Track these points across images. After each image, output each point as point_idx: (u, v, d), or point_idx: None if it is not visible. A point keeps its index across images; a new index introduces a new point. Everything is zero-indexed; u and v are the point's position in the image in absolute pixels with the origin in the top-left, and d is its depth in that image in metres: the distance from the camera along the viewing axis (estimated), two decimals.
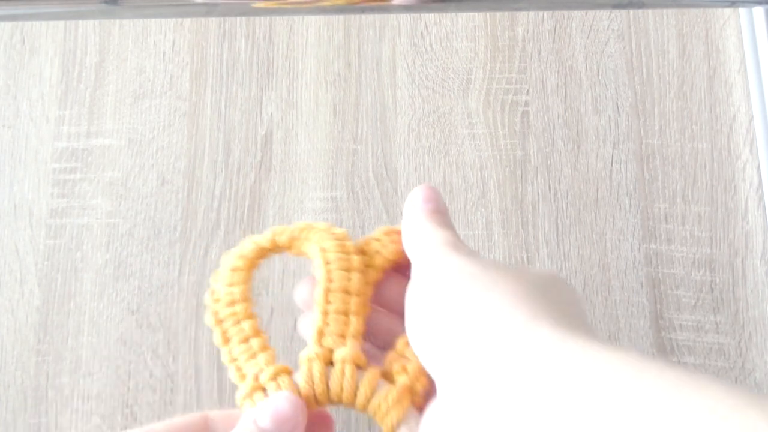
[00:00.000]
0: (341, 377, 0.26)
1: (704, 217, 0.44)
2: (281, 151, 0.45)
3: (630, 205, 0.44)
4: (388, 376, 0.26)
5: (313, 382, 0.25)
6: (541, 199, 0.44)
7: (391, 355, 0.27)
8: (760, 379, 0.41)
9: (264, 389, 0.26)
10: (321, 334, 0.26)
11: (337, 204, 0.44)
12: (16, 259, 0.43)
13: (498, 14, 0.47)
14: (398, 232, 0.29)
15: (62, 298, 0.43)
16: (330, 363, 0.26)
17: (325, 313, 0.27)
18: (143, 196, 0.44)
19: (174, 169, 0.45)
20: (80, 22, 0.47)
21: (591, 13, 0.47)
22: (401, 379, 0.26)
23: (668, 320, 0.42)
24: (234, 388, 0.39)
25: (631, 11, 0.47)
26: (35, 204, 0.44)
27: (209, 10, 0.44)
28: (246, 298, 0.28)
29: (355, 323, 0.27)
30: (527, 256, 0.43)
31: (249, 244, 0.29)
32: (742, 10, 0.46)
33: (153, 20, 0.47)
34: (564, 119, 0.45)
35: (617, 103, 0.45)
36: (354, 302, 0.27)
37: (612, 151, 0.45)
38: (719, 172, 0.44)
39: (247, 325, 0.27)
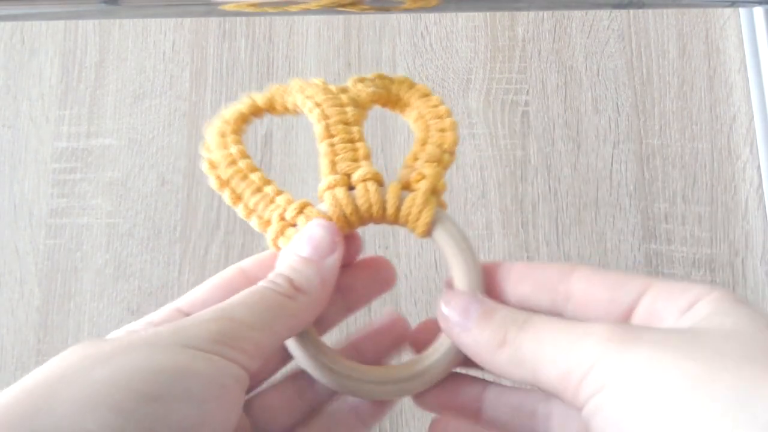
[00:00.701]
0: (366, 193, 0.26)
1: (704, 217, 0.44)
2: (281, 151, 0.45)
3: (630, 205, 0.44)
4: (407, 187, 0.27)
5: (340, 205, 0.26)
6: (541, 199, 0.44)
7: (403, 171, 0.27)
8: None
9: (294, 225, 0.26)
10: (333, 163, 0.26)
11: None
12: (16, 259, 0.43)
13: (498, 14, 0.47)
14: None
15: (62, 298, 0.43)
16: (350, 187, 0.26)
17: (332, 144, 0.27)
18: (143, 196, 0.44)
19: (174, 169, 0.45)
20: (80, 22, 0.47)
21: (591, 13, 0.47)
22: (422, 184, 0.26)
23: None
24: None
25: (631, 11, 0.47)
26: (35, 204, 0.44)
27: (209, 10, 0.44)
28: (246, 155, 0.27)
29: (363, 147, 0.27)
30: (527, 256, 0.43)
31: (229, 110, 0.29)
32: (742, 10, 0.46)
33: (153, 20, 0.47)
34: (564, 119, 0.45)
35: (617, 103, 0.45)
36: (356, 131, 0.27)
37: (612, 151, 0.45)
38: (719, 172, 0.44)
39: (255, 177, 0.27)
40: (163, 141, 0.45)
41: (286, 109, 0.29)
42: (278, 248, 0.26)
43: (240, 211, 0.26)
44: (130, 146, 0.45)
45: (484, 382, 0.25)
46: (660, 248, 0.43)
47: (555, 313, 0.24)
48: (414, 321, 0.42)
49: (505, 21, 0.47)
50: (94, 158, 0.45)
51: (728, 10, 0.47)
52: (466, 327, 0.23)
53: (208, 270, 0.43)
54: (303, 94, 0.28)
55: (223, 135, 0.28)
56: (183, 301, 0.24)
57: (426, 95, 0.29)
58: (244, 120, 0.28)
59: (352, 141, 0.27)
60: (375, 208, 0.26)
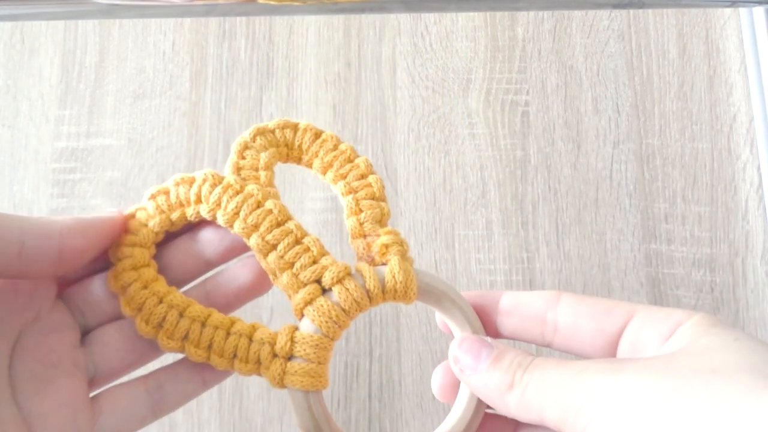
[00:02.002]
0: (347, 294, 0.25)
1: (704, 217, 0.44)
2: None
3: (630, 205, 0.44)
4: (373, 261, 0.26)
5: (329, 317, 0.25)
6: (541, 199, 0.44)
7: (356, 244, 0.26)
8: None
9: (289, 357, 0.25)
10: (295, 276, 0.25)
11: (336, 204, 0.44)
12: None
13: (498, 14, 0.47)
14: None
15: None
16: (323, 290, 0.25)
17: (281, 257, 0.25)
18: (143, 196, 0.44)
19: (174, 169, 0.45)
20: (80, 21, 0.47)
21: (591, 13, 0.47)
22: (392, 259, 0.25)
23: None
24: (234, 388, 0.39)
25: (631, 11, 0.47)
26: (35, 204, 0.44)
27: (209, 10, 0.44)
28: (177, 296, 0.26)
29: (310, 241, 0.26)
30: (527, 256, 0.43)
31: (128, 247, 0.26)
32: (742, 10, 0.46)
33: (153, 20, 0.47)
34: (564, 119, 0.45)
35: (617, 103, 0.45)
36: (293, 226, 0.26)
37: (612, 151, 0.45)
38: (719, 172, 0.44)
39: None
40: (163, 141, 0.45)
41: (184, 222, 0.27)
42: (284, 386, 0.25)
43: (213, 361, 0.25)
44: (130, 146, 0.45)
45: (515, 423, 0.26)
46: (660, 248, 0.43)
47: (545, 343, 0.25)
48: (414, 321, 0.42)
49: (505, 21, 0.47)
50: (94, 158, 0.45)
51: (728, 10, 0.47)
52: (477, 370, 0.24)
53: None
54: (207, 206, 0.25)
55: (144, 286, 0.25)
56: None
57: (333, 147, 0.27)
58: (150, 250, 0.26)
59: (297, 242, 0.25)
60: (362, 304, 0.25)
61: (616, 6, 0.43)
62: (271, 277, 0.25)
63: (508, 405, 0.23)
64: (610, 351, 0.24)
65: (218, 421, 0.41)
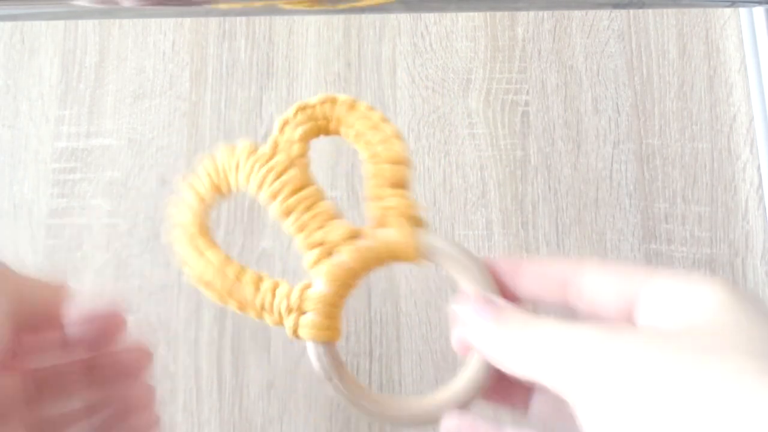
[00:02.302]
0: (356, 253, 0.27)
1: (704, 217, 0.44)
2: None
3: (630, 205, 0.44)
4: (383, 224, 0.27)
5: (338, 275, 0.26)
6: (541, 199, 0.44)
7: (371, 207, 0.28)
8: None
9: (303, 312, 0.27)
10: (307, 238, 0.27)
11: (337, 204, 0.43)
12: (16, 259, 0.43)
13: (498, 14, 0.47)
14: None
15: None
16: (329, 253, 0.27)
17: (297, 220, 0.27)
18: (143, 196, 0.44)
19: (174, 169, 0.45)
20: (80, 22, 0.47)
21: (591, 13, 0.47)
22: (392, 220, 0.27)
23: None
24: (234, 388, 0.39)
25: (631, 11, 0.47)
26: (35, 204, 0.44)
27: (209, 10, 0.44)
28: (227, 259, 0.28)
29: (324, 206, 0.27)
30: (527, 256, 0.43)
31: (182, 212, 0.29)
32: (742, 10, 0.46)
33: (153, 20, 0.47)
34: (564, 119, 0.45)
35: (617, 103, 0.45)
36: (312, 191, 0.28)
37: (612, 151, 0.45)
38: (719, 172, 0.44)
39: (248, 278, 0.27)
40: (163, 141, 0.45)
41: (231, 190, 0.29)
42: (299, 337, 0.27)
43: (251, 314, 0.27)
44: (130, 146, 0.45)
45: (528, 387, 0.27)
46: (660, 248, 0.43)
47: (568, 307, 0.25)
48: (414, 320, 0.42)
49: (505, 21, 0.47)
50: (94, 158, 0.45)
51: (728, 10, 0.47)
52: (477, 326, 0.24)
53: None
54: (243, 173, 0.28)
55: (195, 246, 0.28)
56: None
57: (365, 115, 0.29)
58: (202, 217, 0.29)
59: (310, 207, 0.27)
60: (367, 262, 0.27)
61: (616, 6, 0.43)
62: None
63: (508, 362, 0.23)
64: (630, 315, 0.24)
65: (218, 421, 0.41)
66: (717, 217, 0.44)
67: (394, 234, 0.27)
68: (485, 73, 0.46)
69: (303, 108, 0.29)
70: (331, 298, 0.26)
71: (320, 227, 0.27)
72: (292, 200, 0.27)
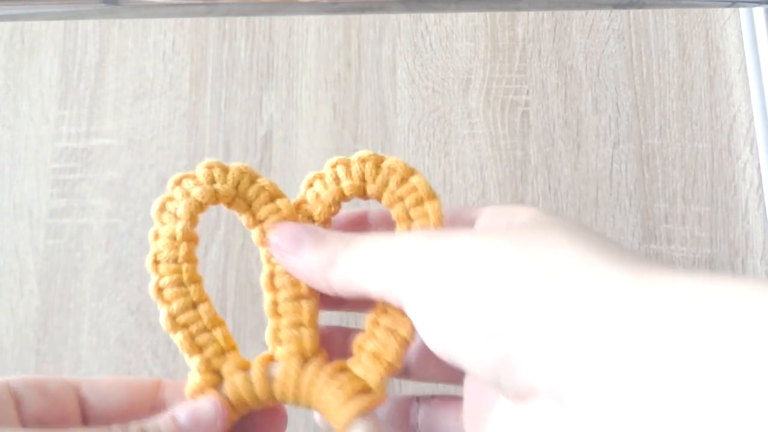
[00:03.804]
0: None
1: (704, 217, 0.44)
2: (281, 151, 0.45)
3: (630, 205, 0.44)
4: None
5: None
6: (541, 199, 0.44)
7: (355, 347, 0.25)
8: None
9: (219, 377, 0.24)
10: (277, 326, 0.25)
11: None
12: (16, 259, 0.43)
13: (498, 14, 0.47)
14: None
15: (62, 298, 0.43)
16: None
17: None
18: (143, 196, 0.44)
19: (174, 169, 0.45)
20: (80, 22, 0.47)
21: (591, 13, 0.47)
22: (361, 364, 0.24)
23: None
24: None
25: (631, 11, 0.47)
26: (35, 204, 0.44)
27: (209, 10, 0.44)
28: (203, 295, 0.25)
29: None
30: None
31: (181, 212, 0.25)
32: (742, 10, 0.46)
33: (153, 20, 0.47)
34: (564, 119, 0.45)
35: (617, 103, 0.45)
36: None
37: (612, 151, 0.45)
38: (719, 172, 0.44)
39: (218, 334, 0.25)
40: (163, 141, 0.45)
41: (242, 212, 0.26)
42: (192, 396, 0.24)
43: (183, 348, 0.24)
44: (130, 146, 0.45)
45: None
46: (660, 248, 0.43)
47: None
48: None
49: (505, 21, 0.47)
50: (94, 158, 0.45)
51: (728, 10, 0.47)
52: (297, 252, 0.23)
53: (209, 270, 0.43)
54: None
55: (173, 238, 0.25)
56: (87, 383, 0.24)
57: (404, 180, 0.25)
58: (201, 211, 0.26)
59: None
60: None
61: (616, 6, 0.43)
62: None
63: (331, 281, 0.23)
64: None
65: None
66: (717, 217, 0.44)
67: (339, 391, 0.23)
68: (485, 73, 0.46)
69: (368, 159, 0.26)
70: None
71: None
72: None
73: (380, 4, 0.44)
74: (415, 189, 0.25)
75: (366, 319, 0.25)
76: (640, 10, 0.47)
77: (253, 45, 0.47)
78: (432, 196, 0.25)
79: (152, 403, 0.25)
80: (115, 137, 0.45)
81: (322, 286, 0.23)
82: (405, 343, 0.24)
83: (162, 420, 0.23)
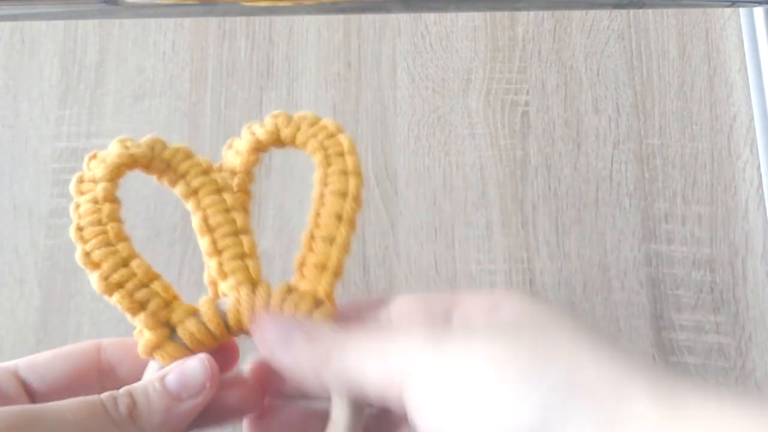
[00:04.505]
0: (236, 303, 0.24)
1: (704, 217, 0.44)
2: (281, 151, 0.45)
3: (630, 205, 0.44)
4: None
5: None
6: (541, 199, 0.44)
7: (298, 259, 0.25)
8: (760, 379, 0.41)
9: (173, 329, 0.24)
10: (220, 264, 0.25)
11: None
12: (16, 259, 0.43)
13: (498, 14, 0.47)
14: None
15: (62, 298, 0.43)
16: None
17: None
18: (143, 196, 0.44)
19: None
20: (80, 22, 0.47)
21: (591, 13, 0.47)
22: (303, 292, 0.24)
23: (668, 320, 0.42)
24: None
25: (631, 11, 0.47)
26: (35, 204, 0.44)
27: (209, 10, 0.44)
28: (123, 236, 0.25)
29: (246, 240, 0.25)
30: (527, 256, 0.43)
31: (102, 160, 0.26)
32: (742, 10, 0.46)
33: (153, 20, 0.47)
34: (564, 119, 0.45)
35: (617, 103, 0.45)
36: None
37: (612, 151, 0.45)
38: (719, 172, 0.44)
39: (137, 266, 0.25)
40: None
41: (163, 174, 0.26)
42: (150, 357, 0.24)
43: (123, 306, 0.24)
44: None
45: None
46: (660, 248, 0.43)
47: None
48: None
49: (505, 21, 0.47)
50: None
51: (728, 10, 0.47)
52: (288, 348, 0.23)
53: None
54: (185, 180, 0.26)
55: (95, 201, 0.25)
56: (23, 363, 0.23)
57: (331, 134, 0.27)
58: (120, 174, 0.26)
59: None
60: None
61: (616, 6, 0.43)
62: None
63: (327, 380, 0.22)
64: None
65: None
66: (717, 217, 0.44)
67: (297, 307, 0.24)
68: (485, 73, 0.46)
69: (284, 117, 0.27)
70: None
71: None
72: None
73: (380, 4, 0.44)
74: (325, 127, 0.27)
75: (302, 235, 0.25)
76: (640, 10, 0.47)
77: (253, 45, 0.47)
78: (342, 131, 0.26)
79: (98, 368, 0.24)
80: (115, 137, 0.45)
81: (313, 383, 0.23)
82: (343, 249, 0.25)
83: (150, 384, 0.23)
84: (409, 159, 0.45)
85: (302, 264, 0.25)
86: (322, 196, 0.26)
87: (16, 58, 0.47)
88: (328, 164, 0.26)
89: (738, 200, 0.44)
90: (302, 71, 0.46)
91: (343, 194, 0.26)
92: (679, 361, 0.41)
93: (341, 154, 0.26)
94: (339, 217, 0.25)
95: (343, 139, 0.26)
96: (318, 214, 0.26)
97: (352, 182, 0.26)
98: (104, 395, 0.22)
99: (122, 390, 0.22)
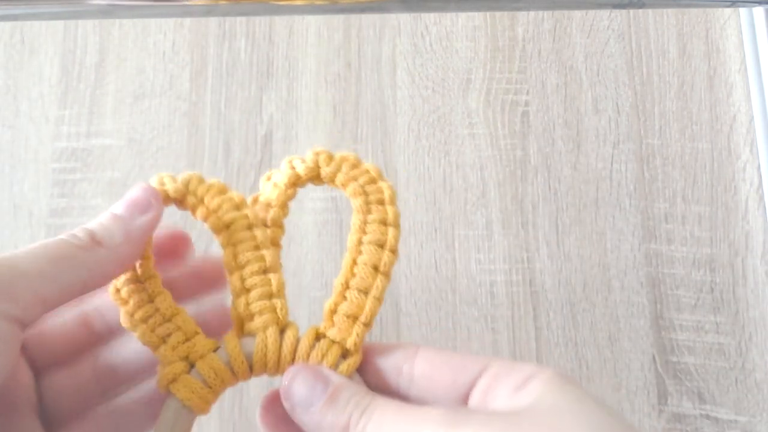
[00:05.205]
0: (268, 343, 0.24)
1: (704, 217, 0.44)
2: (281, 151, 0.45)
3: (630, 205, 0.44)
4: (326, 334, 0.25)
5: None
6: (541, 199, 0.44)
7: (328, 306, 0.25)
8: (760, 379, 0.41)
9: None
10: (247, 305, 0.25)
11: (336, 204, 0.44)
12: None
13: (498, 14, 0.47)
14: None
15: None
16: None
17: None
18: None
19: (174, 169, 0.45)
20: (80, 22, 0.47)
21: (591, 13, 0.47)
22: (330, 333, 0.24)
23: (668, 320, 0.42)
24: (234, 387, 0.39)
25: (631, 11, 0.47)
26: (35, 204, 0.44)
27: (209, 10, 0.44)
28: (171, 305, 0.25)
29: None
30: (527, 256, 0.43)
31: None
32: (742, 10, 0.46)
33: (153, 20, 0.47)
34: (564, 119, 0.45)
35: (617, 103, 0.45)
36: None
37: (612, 151, 0.45)
38: (719, 172, 0.44)
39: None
40: (163, 141, 0.45)
41: (195, 208, 0.27)
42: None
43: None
44: (130, 146, 0.45)
45: None
46: (660, 248, 0.43)
47: (400, 395, 0.24)
48: (414, 321, 0.42)
49: (505, 21, 0.47)
50: (94, 158, 0.45)
51: (728, 10, 0.47)
52: (310, 408, 0.23)
53: None
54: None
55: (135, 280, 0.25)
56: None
57: (371, 180, 0.26)
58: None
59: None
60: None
61: (616, 6, 0.43)
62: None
63: None
64: (463, 402, 0.23)
65: (218, 421, 0.41)
66: (717, 217, 0.44)
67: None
68: (485, 73, 0.46)
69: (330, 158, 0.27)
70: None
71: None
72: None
73: (380, 4, 0.44)
74: (367, 171, 0.26)
75: (335, 282, 0.25)
76: (640, 10, 0.47)
77: (253, 45, 0.47)
78: (383, 178, 0.26)
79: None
80: (115, 137, 0.45)
81: None
82: (377, 301, 0.25)
83: (101, 217, 0.24)
84: (409, 159, 0.45)
85: (333, 311, 0.25)
86: (359, 243, 0.26)
87: (16, 58, 0.47)
88: (368, 211, 0.26)
89: (738, 200, 0.44)
90: (302, 71, 0.46)
91: (382, 245, 0.25)
92: (679, 361, 0.41)
93: (382, 203, 0.26)
94: (376, 268, 0.25)
95: (385, 188, 0.26)
96: (354, 263, 0.25)
97: (391, 234, 0.26)
98: (62, 234, 0.23)
99: (77, 228, 0.24)
